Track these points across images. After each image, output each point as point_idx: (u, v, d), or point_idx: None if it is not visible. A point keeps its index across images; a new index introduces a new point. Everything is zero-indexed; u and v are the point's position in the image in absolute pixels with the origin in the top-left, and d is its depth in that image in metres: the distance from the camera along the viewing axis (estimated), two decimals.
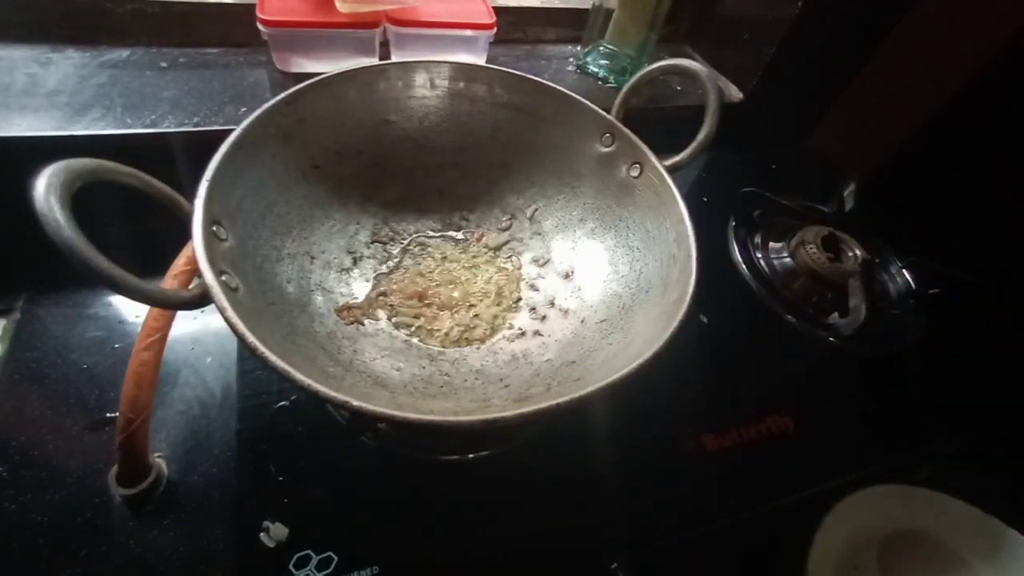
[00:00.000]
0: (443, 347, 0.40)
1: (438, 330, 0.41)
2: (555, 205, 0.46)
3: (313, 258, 0.40)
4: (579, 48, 0.64)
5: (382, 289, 0.42)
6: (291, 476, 0.37)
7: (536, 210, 0.47)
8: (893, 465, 0.45)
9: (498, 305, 0.42)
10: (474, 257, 0.45)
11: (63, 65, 0.47)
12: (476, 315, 0.42)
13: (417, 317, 0.41)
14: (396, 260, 0.44)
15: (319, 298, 0.38)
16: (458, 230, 0.47)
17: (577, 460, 0.41)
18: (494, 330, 0.41)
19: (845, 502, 0.41)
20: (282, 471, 0.37)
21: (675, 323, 0.30)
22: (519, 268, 0.45)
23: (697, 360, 0.48)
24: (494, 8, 0.54)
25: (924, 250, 0.56)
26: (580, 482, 0.40)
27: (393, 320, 0.41)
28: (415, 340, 0.40)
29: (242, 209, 0.34)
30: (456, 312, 0.42)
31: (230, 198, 0.32)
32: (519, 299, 0.43)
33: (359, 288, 0.41)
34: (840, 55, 0.66)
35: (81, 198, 0.25)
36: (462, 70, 0.43)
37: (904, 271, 0.56)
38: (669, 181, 0.38)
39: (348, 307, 0.39)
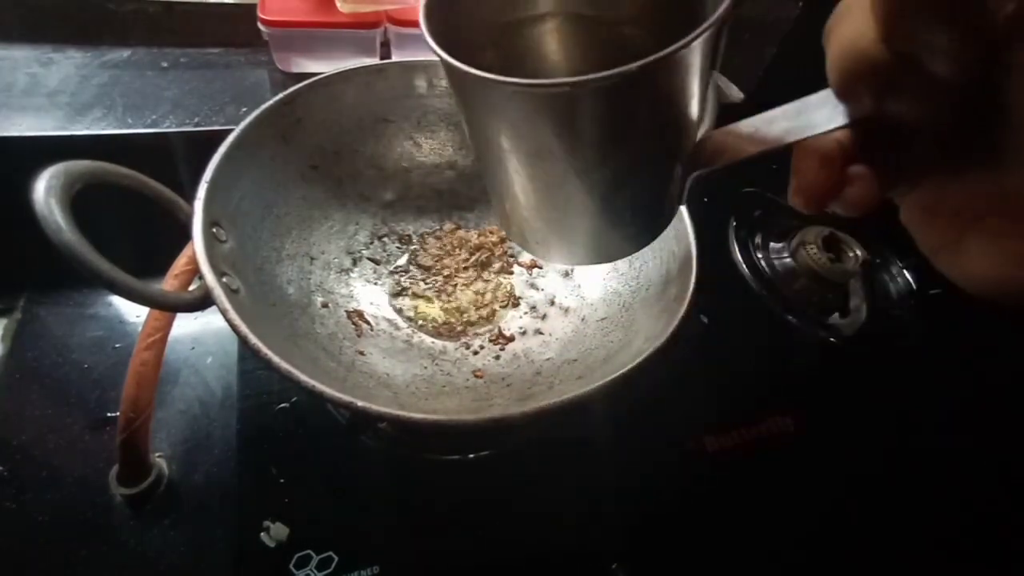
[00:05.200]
0: (443, 335, 0.40)
1: (436, 319, 0.41)
2: None
3: (313, 259, 0.40)
4: None
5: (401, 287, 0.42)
6: (291, 476, 0.37)
7: None
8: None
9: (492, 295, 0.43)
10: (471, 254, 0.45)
11: (64, 65, 0.47)
12: (477, 304, 0.42)
13: (422, 311, 0.41)
14: (397, 260, 0.44)
15: (319, 299, 0.38)
16: (457, 229, 0.47)
17: (577, 460, 0.41)
18: (491, 316, 0.42)
19: None
20: (282, 471, 0.37)
21: (676, 320, 0.30)
22: (511, 268, 0.45)
23: (697, 360, 0.48)
24: None
25: None
26: (580, 482, 0.40)
27: (405, 315, 0.41)
28: (417, 336, 0.40)
29: (241, 210, 0.34)
30: (456, 304, 0.42)
31: (229, 199, 0.32)
32: (512, 293, 0.44)
33: (359, 289, 0.41)
34: None
35: (81, 199, 0.25)
36: None
37: (905, 271, 0.56)
38: None
39: (358, 312, 0.39)
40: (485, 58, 0.22)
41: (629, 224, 0.25)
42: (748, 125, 0.21)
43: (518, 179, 0.24)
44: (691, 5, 0.20)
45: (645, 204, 0.24)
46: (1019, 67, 0.13)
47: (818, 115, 0.18)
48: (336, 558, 0.34)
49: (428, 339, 0.40)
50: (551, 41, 0.27)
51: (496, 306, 0.43)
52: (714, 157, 0.22)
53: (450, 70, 0.19)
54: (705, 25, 0.16)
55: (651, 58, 0.16)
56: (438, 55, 0.19)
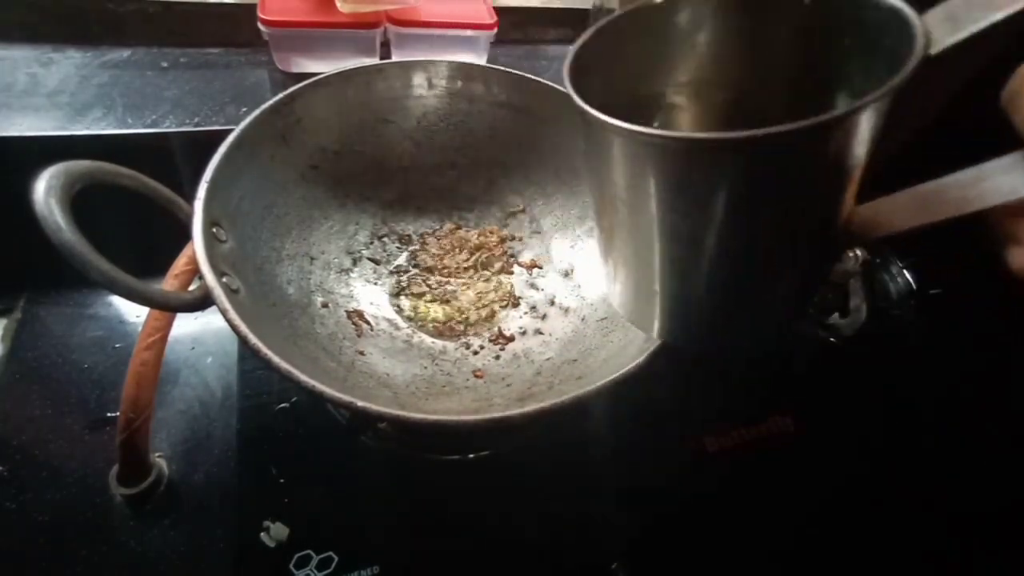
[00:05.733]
0: (443, 335, 0.40)
1: (436, 319, 0.41)
2: (554, 204, 0.46)
3: (313, 259, 0.40)
4: None
5: (402, 285, 0.42)
6: (291, 476, 0.37)
7: (535, 209, 0.47)
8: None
9: (492, 295, 0.43)
10: (472, 254, 0.45)
11: (64, 65, 0.47)
12: (476, 304, 0.42)
13: (421, 309, 0.41)
14: (397, 260, 0.44)
15: (319, 299, 0.38)
16: (457, 229, 0.47)
17: (577, 460, 0.41)
18: (491, 316, 0.42)
19: None
20: (282, 471, 0.37)
21: None
22: (511, 267, 0.45)
23: (697, 360, 0.48)
24: (495, 8, 0.54)
25: (924, 250, 0.56)
26: (580, 482, 0.40)
27: (405, 314, 0.41)
28: (417, 336, 0.40)
29: (241, 210, 0.34)
30: (454, 303, 0.42)
31: (229, 199, 0.32)
32: (512, 293, 0.44)
33: (359, 289, 0.41)
34: None
35: (81, 199, 0.25)
36: (460, 69, 0.43)
37: (905, 271, 0.56)
38: None
39: (358, 312, 0.39)
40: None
41: (766, 308, 0.23)
42: (910, 195, 0.20)
43: (658, 249, 0.22)
44: (826, 85, 0.20)
45: (786, 288, 0.23)
46: None
47: (1015, 178, 0.17)
48: (336, 558, 0.34)
49: (428, 339, 0.40)
50: (682, 117, 0.26)
51: (496, 306, 0.43)
52: (868, 228, 0.20)
53: (604, 127, 0.19)
54: (894, 82, 0.16)
55: (832, 114, 0.15)
56: (594, 116, 0.19)
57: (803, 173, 0.18)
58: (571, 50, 0.22)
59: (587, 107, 0.19)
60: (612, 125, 0.18)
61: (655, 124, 0.26)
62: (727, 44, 0.24)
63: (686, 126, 0.27)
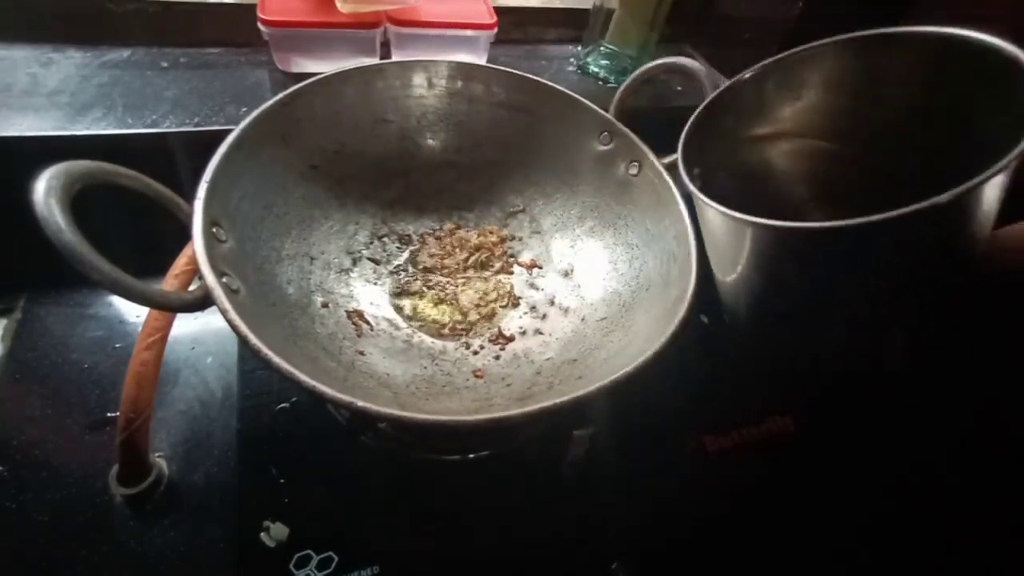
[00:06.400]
0: (445, 337, 0.40)
1: (436, 319, 0.41)
2: (554, 204, 0.46)
3: (313, 259, 0.40)
4: (580, 48, 0.64)
5: (401, 286, 0.42)
6: (291, 476, 0.37)
7: (535, 209, 0.47)
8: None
9: (491, 297, 0.43)
10: (473, 253, 0.45)
11: (64, 65, 0.47)
12: (477, 303, 0.42)
13: (420, 309, 0.41)
14: (397, 260, 0.44)
15: (319, 299, 0.38)
16: (457, 229, 0.47)
17: (577, 460, 0.41)
18: (491, 315, 0.42)
19: None
20: (282, 471, 0.37)
21: (676, 321, 0.30)
22: (511, 266, 0.45)
23: (698, 360, 0.48)
24: (495, 8, 0.54)
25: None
26: (580, 482, 0.40)
27: (405, 314, 0.41)
28: (417, 336, 0.40)
29: (241, 210, 0.34)
30: (454, 303, 0.42)
31: (229, 199, 0.32)
32: (512, 293, 0.44)
33: (359, 289, 0.41)
34: None
35: (81, 199, 0.25)
36: (460, 69, 0.43)
37: None
38: (668, 179, 0.38)
39: (358, 312, 0.39)
40: (725, 182, 0.22)
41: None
42: None
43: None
44: (935, 128, 0.19)
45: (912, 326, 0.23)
46: None
47: None
48: (336, 558, 0.34)
49: (428, 339, 0.40)
50: (778, 165, 0.27)
51: (496, 306, 0.43)
52: (1010, 257, 0.20)
53: (763, 229, 0.19)
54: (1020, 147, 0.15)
55: (952, 193, 0.15)
56: (750, 222, 0.20)
57: (932, 242, 0.18)
58: (683, 136, 0.23)
59: (702, 195, 0.21)
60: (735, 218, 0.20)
61: (744, 171, 0.28)
62: (829, 98, 0.24)
63: (781, 174, 0.27)
